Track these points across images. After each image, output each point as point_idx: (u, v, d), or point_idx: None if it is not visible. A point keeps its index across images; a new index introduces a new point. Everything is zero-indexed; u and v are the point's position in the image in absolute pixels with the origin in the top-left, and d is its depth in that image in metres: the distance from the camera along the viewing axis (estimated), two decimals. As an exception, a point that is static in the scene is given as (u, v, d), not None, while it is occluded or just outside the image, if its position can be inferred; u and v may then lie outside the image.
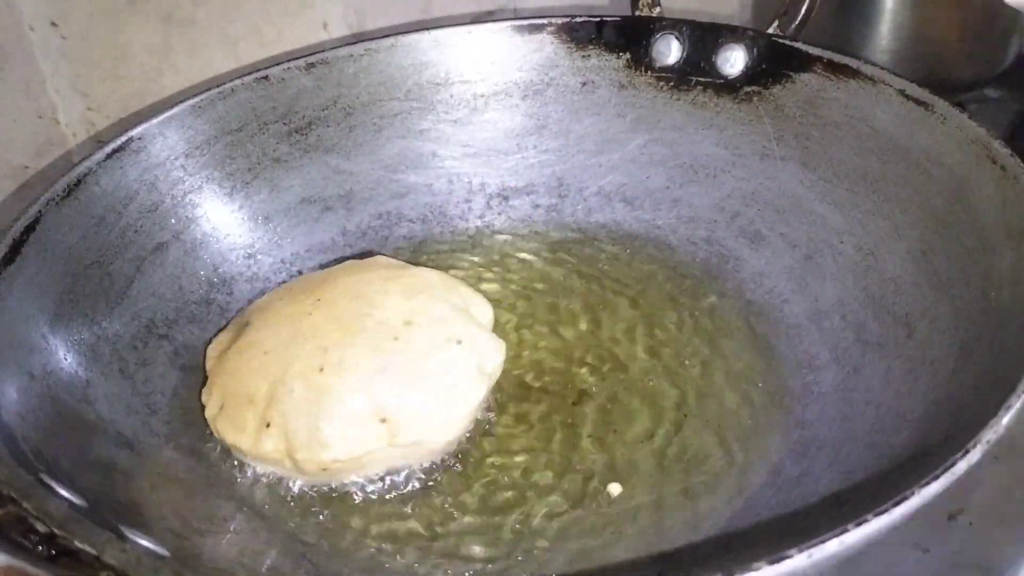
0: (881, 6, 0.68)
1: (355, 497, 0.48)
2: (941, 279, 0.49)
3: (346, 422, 0.47)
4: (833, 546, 0.32)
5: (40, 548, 0.35)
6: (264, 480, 0.49)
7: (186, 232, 0.58)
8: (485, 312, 0.54)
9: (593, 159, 0.64)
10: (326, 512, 0.48)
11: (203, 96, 0.59)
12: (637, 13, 0.64)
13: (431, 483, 0.49)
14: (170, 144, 0.58)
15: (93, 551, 0.35)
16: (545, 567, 0.45)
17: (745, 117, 0.59)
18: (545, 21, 0.62)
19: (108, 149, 0.55)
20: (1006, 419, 0.37)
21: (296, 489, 0.49)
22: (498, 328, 0.55)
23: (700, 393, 0.52)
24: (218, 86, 0.59)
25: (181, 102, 0.58)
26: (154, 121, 0.57)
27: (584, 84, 0.63)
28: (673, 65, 0.62)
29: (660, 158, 0.56)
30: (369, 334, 0.49)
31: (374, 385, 0.47)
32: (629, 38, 0.62)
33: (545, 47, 0.63)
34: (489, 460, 0.50)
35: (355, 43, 0.62)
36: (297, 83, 0.61)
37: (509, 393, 0.53)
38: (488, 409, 0.52)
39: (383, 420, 0.47)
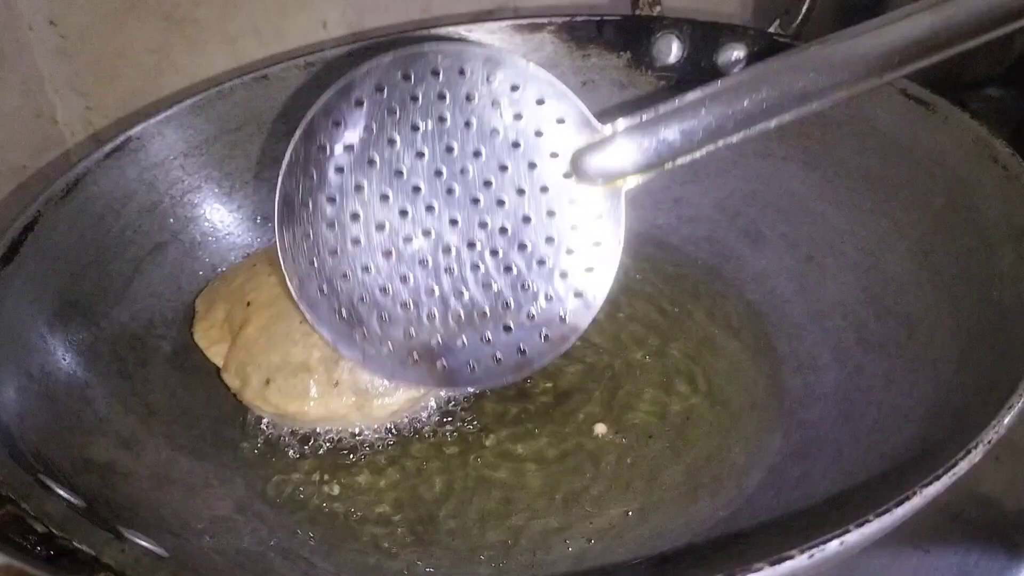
0: (882, 5, 0.68)
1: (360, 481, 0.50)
2: (942, 279, 0.49)
3: None
4: (834, 547, 0.32)
5: (39, 548, 0.35)
6: (264, 480, 0.49)
7: (185, 232, 0.58)
8: None
9: (593, 159, 0.64)
10: (327, 513, 0.48)
11: (202, 96, 0.59)
12: (637, 12, 0.64)
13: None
14: (169, 144, 0.58)
15: (92, 551, 0.35)
16: (544, 568, 0.45)
17: (746, 117, 0.59)
18: (545, 20, 0.62)
19: (107, 149, 0.55)
20: (1008, 419, 0.37)
21: (296, 489, 0.49)
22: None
23: (700, 393, 0.52)
24: (217, 86, 0.59)
25: (180, 102, 0.58)
26: (153, 121, 0.57)
27: (584, 83, 0.63)
28: (674, 64, 0.61)
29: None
30: None
31: None
32: (629, 37, 0.62)
33: (545, 46, 0.63)
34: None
35: (354, 43, 0.62)
36: (296, 82, 0.61)
37: (500, 394, 0.54)
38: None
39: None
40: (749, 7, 0.76)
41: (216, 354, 0.54)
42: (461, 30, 0.63)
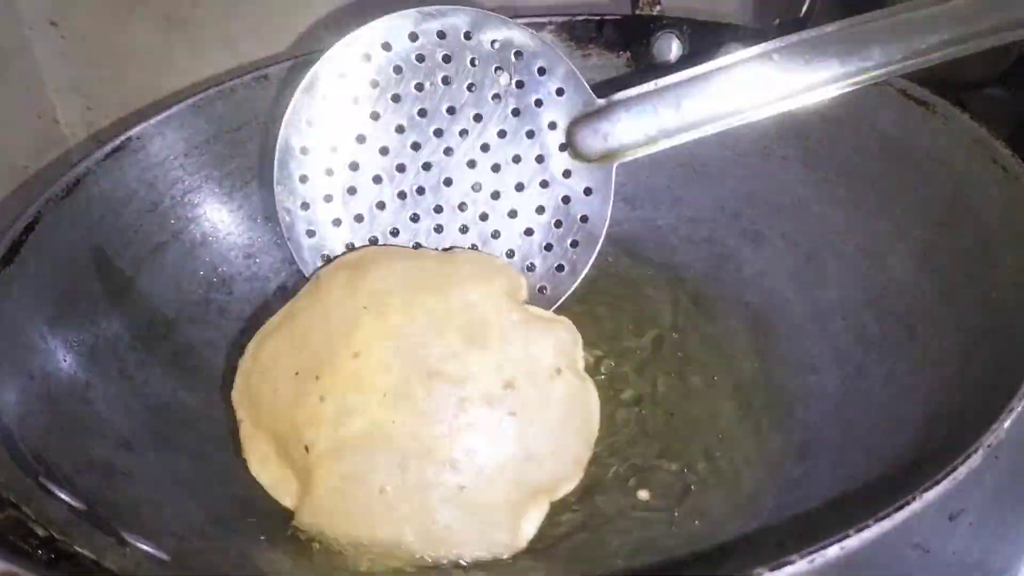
0: (882, 4, 0.67)
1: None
2: (943, 280, 0.49)
3: None
4: (834, 552, 0.32)
5: (40, 552, 0.35)
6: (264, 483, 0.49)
7: (185, 232, 0.58)
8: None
9: (593, 158, 0.64)
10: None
11: (202, 95, 0.59)
12: (638, 12, 0.63)
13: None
14: (169, 144, 0.58)
15: (93, 555, 0.35)
16: (541, 570, 0.45)
17: (746, 116, 0.59)
18: (545, 20, 0.62)
19: (107, 149, 0.55)
20: (1008, 423, 0.37)
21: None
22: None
23: (701, 395, 0.52)
24: (217, 85, 0.59)
25: (180, 101, 0.58)
26: (153, 121, 0.57)
27: (584, 83, 0.63)
28: (674, 64, 0.61)
29: (661, 157, 0.55)
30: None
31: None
32: (630, 37, 0.61)
33: (545, 46, 0.63)
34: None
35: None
36: (296, 83, 0.61)
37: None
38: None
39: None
40: (749, 6, 0.76)
41: (283, 495, 0.49)
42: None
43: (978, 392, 0.42)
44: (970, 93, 0.61)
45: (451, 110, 0.53)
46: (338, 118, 0.53)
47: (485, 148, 0.53)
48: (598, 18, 0.62)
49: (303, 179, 0.54)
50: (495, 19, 0.52)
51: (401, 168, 0.53)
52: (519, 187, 0.53)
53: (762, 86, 0.49)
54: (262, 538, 0.46)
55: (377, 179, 0.54)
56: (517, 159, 0.53)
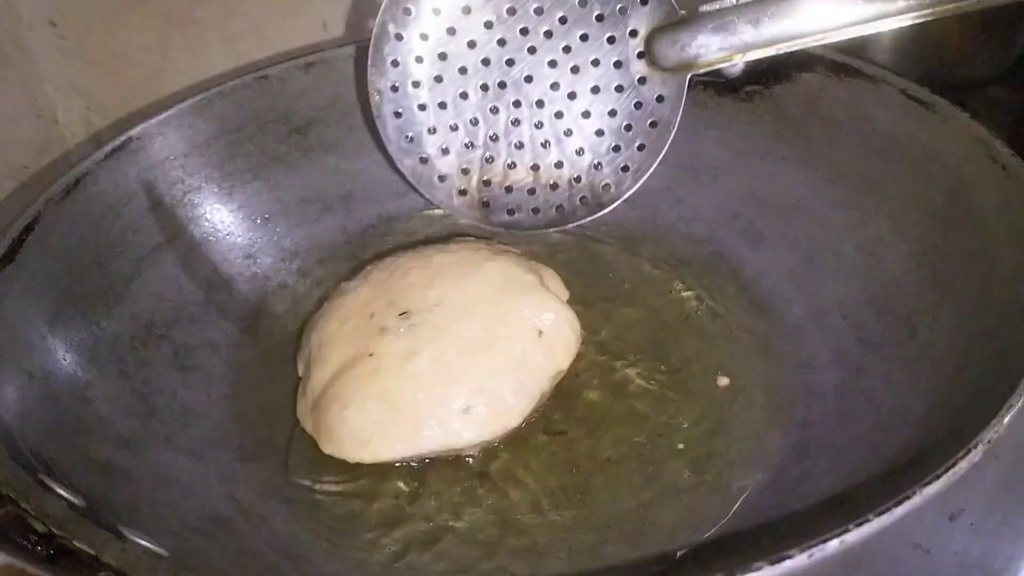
0: None
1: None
2: (942, 279, 0.49)
3: None
4: (834, 546, 0.32)
5: (39, 548, 0.35)
6: (264, 480, 0.49)
7: (185, 232, 0.58)
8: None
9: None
10: (326, 512, 0.48)
11: (202, 96, 0.59)
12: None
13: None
14: (169, 144, 0.58)
15: (92, 551, 0.35)
16: (544, 564, 0.45)
17: (746, 117, 0.59)
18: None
19: (107, 149, 0.55)
20: (1007, 419, 0.37)
21: (294, 489, 0.49)
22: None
23: (701, 394, 0.52)
24: (217, 86, 0.59)
25: (180, 102, 0.58)
26: (153, 121, 0.57)
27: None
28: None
29: (661, 157, 0.55)
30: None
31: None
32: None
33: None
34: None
35: (354, 43, 0.62)
36: (296, 83, 0.61)
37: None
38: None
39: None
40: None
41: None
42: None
43: (978, 390, 0.42)
44: (970, 93, 0.61)
45: (539, 11, 0.55)
46: (432, 10, 0.55)
47: (567, 50, 0.55)
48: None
49: (395, 63, 0.57)
50: None
51: (486, 62, 0.56)
52: (595, 90, 0.56)
53: (839, 10, 0.49)
54: (262, 537, 0.46)
55: (463, 70, 0.57)
56: (596, 63, 0.55)
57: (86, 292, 0.52)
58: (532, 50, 0.56)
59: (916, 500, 0.34)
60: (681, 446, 0.50)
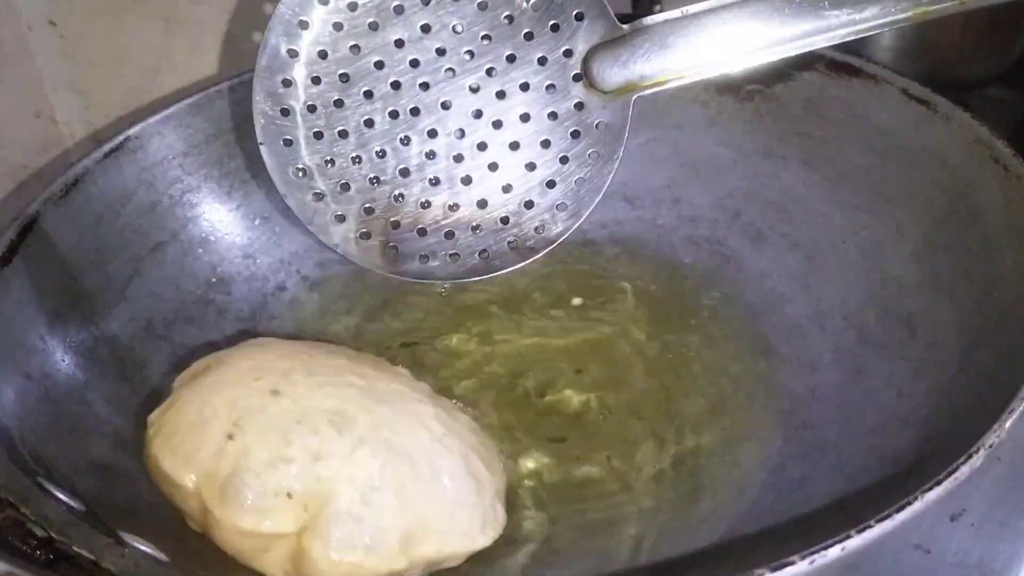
0: None
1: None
2: (944, 280, 0.49)
3: None
4: (835, 552, 0.32)
5: (38, 553, 0.35)
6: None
7: (184, 232, 0.58)
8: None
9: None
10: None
11: (202, 95, 0.59)
12: (638, 12, 0.63)
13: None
14: (168, 143, 0.58)
15: (91, 556, 0.35)
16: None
17: (747, 116, 0.59)
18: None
19: (106, 148, 0.55)
20: (1009, 423, 0.37)
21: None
22: (490, 330, 0.56)
23: (701, 394, 0.52)
24: (217, 85, 0.59)
25: (179, 101, 0.58)
26: (152, 120, 0.57)
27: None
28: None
29: (661, 157, 0.55)
30: None
31: None
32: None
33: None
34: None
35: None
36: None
37: (499, 390, 0.53)
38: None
39: None
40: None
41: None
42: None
43: (979, 392, 0.42)
44: (971, 92, 0.61)
45: (457, 29, 0.49)
46: (333, 24, 0.49)
47: (491, 72, 0.49)
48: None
49: (286, 83, 0.50)
50: None
51: (396, 85, 0.49)
52: (524, 117, 0.50)
53: (786, 24, 0.46)
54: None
55: (368, 94, 0.50)
56: (525, 87, 0.49)
57: (85, 292, 0.52)
58: (451, 72, 0.49)
59: (918, 505, 0.34)
60: (681, 448, 0.50)
